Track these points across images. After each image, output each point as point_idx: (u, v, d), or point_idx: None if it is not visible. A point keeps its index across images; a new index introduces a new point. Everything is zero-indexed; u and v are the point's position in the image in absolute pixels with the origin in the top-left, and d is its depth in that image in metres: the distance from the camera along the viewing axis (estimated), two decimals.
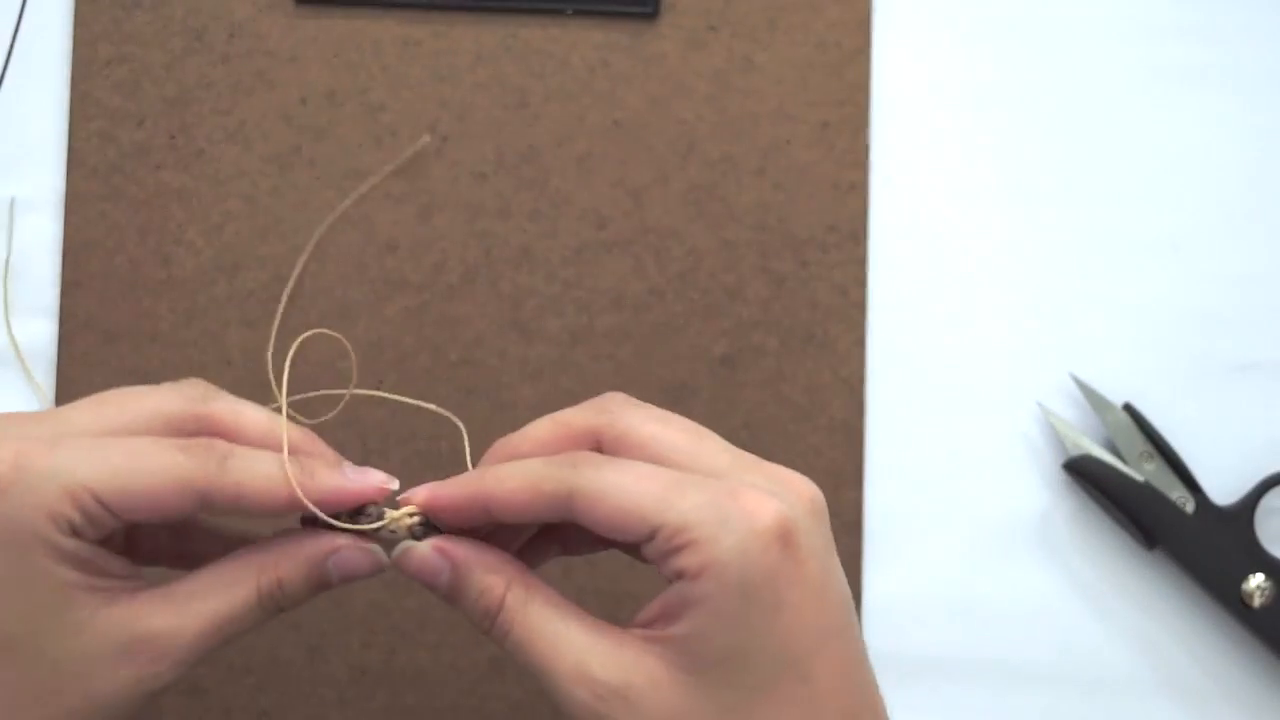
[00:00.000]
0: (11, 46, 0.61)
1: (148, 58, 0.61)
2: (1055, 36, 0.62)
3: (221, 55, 0.61)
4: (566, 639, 0.42)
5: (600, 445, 0.44)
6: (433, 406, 0.51)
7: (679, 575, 0.41)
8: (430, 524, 0.45)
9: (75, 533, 0.41)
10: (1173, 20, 0.62)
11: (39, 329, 0.60)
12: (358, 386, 0.51)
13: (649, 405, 0.45)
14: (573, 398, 0.58)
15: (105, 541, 0.42)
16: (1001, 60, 0.62)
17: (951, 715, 0.59)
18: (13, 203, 0.60)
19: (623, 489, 0.41)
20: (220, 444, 0.43)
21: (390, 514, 0.44)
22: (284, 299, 0.58)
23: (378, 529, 0.44)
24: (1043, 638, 0.59)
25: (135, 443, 0.42)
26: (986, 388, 0.60)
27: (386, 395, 0.56)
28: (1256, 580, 0.58)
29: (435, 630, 0.59)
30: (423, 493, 0.44)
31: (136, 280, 0.60)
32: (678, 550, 0.41)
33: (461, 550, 0.44)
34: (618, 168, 0.61)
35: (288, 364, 0.46)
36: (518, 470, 0.43)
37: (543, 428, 0.45)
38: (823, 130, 0.61)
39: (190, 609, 0.43)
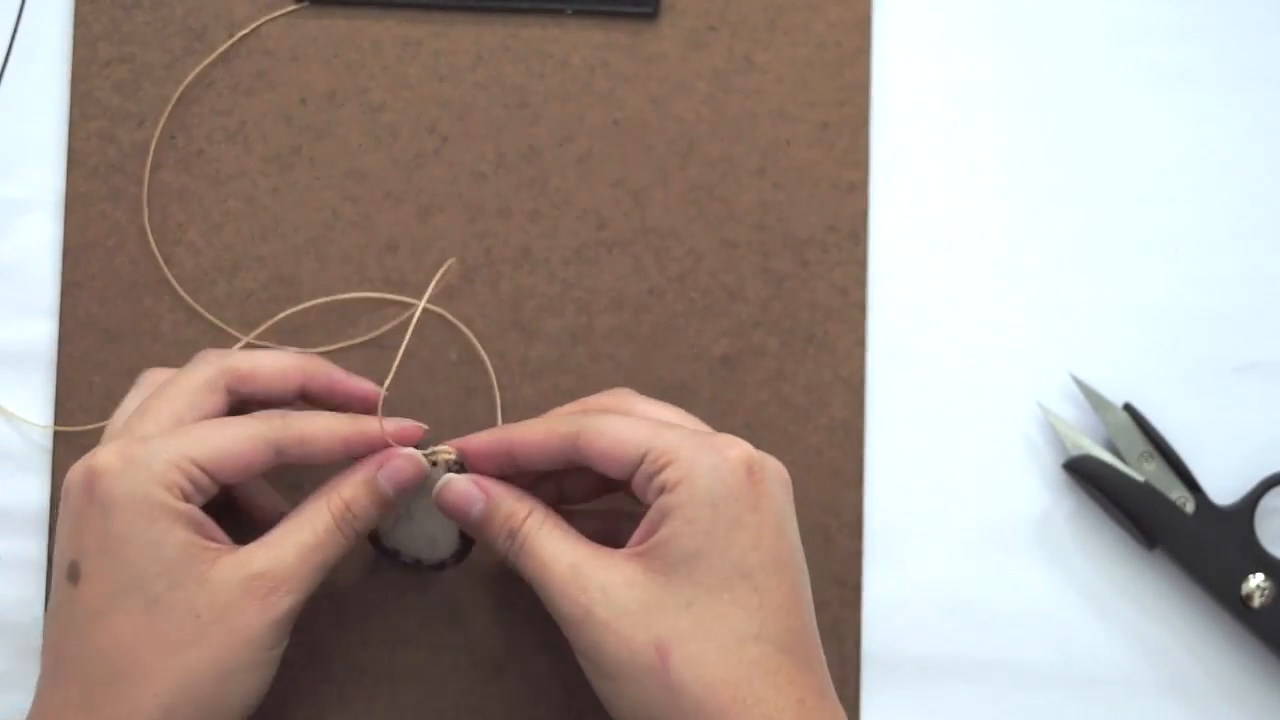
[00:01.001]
0: (11, 46, 0.61)
1: (148, 58, 0.61)
2: (1055, 36, 0.62)
3: (222, 55, 0.61)
4: (566, 550, 0.50)
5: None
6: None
7: (660, 490, 0.49)
8: (464, 465, 0.53)
9: (186, 498, 0.49)
10: (1173, 20, 0.62)
11: (39, 329, 0.60)
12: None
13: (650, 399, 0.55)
14: (572, 398, 0.58)
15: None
16: (1001, 60, 0.62)
17: (951, 715, 0.59)
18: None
19: (619, 427, 0.51)
20: (280, 411, 0.52)
21: (435, 448, 0.53)
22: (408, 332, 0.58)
23: (435, 461, 0.53)
24: (1043, 638, 0.59)
25: (214, 420, 0.51)
26: (986, 388, 0.60)
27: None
28: (1256, 580, 0.58)
29: (435, 630, 0.59)
30: (457, 442, 0.53)
31: (136, 280, 0.60)
32: (661, 468, 0.49)
33: (493, 484, 0.52)
34: (618, 168, 0.61)
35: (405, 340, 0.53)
36: (537, 420, 0.53)
37: (565, 407, 0.55)
38: (823, 130, 0.61)
39: (284, 545, 0.50)
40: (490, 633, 0.59)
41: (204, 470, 0.49)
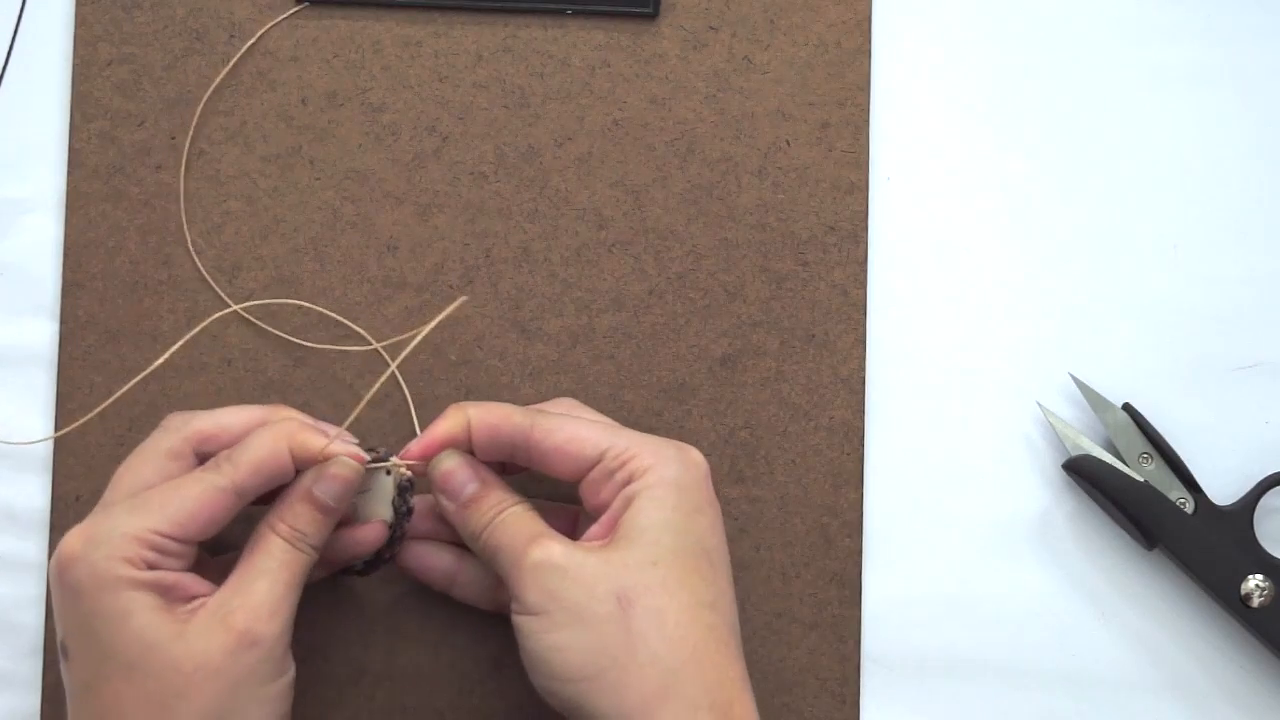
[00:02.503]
0: (11, 47, 0.61)
1: (148, 58, 0.61)
2: (1055, 37, 0.62)
3: (222, 56, 0.61)
4: (536, 524, 0.51)
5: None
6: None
7: (627, 480, 0.51)
8: (412, 483, 0.54)
9: (152, 566, 0.49)
10: (1173, 20, 0.62)
11: (39, 329, 0.60)
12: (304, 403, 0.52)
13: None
14: (573, 397, 0.58)
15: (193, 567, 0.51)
16: (1001, 60, 0.62)
17: (951, 715, 0.59)
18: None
19: (576, 425, 0.52)
20: (225, 451, 0.52)
21: (394, 460, 0.54)
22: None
23: (379, 468, 0.54)
24: (1043, 638, 0.59)
25: (167, 484, 0.51)
26: (986, 388, 0.60)
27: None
28: (1256, 580, 0.58)
29: (435, 630, 0.59)
30: (415, 446, 0.53)
31: (136, 280, 0.60)
32: (625, 462, 0.51)
33: (488, 471, 0.53)
34: (618, 168, 0.61)
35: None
36: (494, 405, 0.53)
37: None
38: (823, 130, 0.61)
39: (250, 581, 0.50)
40: (490, 633, 0.59)
41: (169, 537, 0.50)
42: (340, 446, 0.52)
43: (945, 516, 0.60)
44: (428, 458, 0.53)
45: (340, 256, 0.60)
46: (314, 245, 0.60)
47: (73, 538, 0.49)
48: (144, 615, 0.48)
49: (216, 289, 0.59)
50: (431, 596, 0.59)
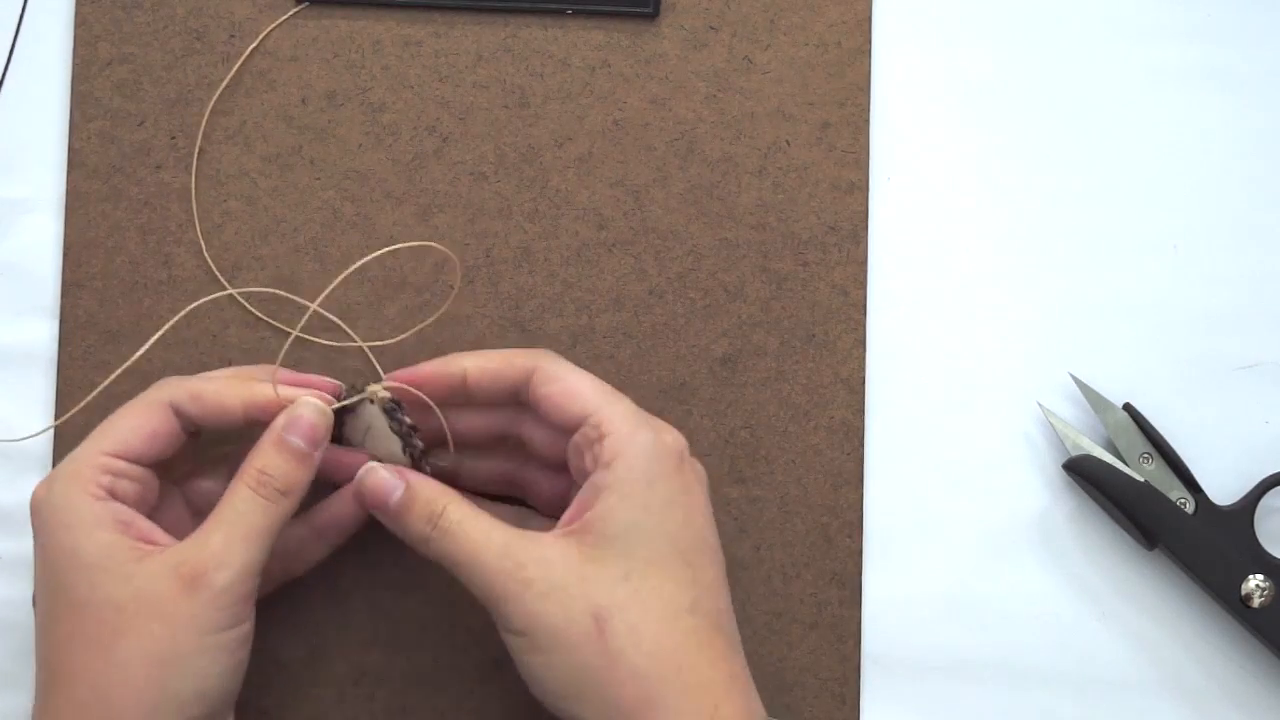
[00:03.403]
0: (12, 47, 0.61)
1: (148, 58, 0.61)
2: (1055, 37, 0.62)
3: (222, 55, 0.61)
4: (496, 532, 0.50)
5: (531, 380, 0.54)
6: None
7: (595, 464, 0.50)
8: (399, 405, 0.53)
9: (111, 492, 0.50)
10: (1173, 20, 0.62)
11: (39, 329, 0.60)
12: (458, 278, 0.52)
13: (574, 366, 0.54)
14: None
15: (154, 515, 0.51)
16: (1001, 60, 0.62)
17: (951, 715, 0.59)
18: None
19: (574, 379, 0.52)
20: (180, 377, 0.53)
21: (370, 386, 0.53)
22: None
23: (357, 401, 0.53)
24: (1043, 638, 0.59)
25: (116, 412, 0.52)
26: (986, 388, 0.60)
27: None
28: (1256, 580, 0.58)
29: (435, 630, 0.59)
30: (402, 374, 0.53)
31: (136, 280, 0.60)
32: (599, 439, 0.50)
33: (412, 474, 0.52)
34: (618, 168, 0.61)
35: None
36: (493, 351, 0.54)
37: (486, 354, 0.54)
38: (823, 130, 0.61)
39: (209, 529, 0.50)
40: (490, 633, 0.59)
41: (117, 455, 0.50)
42: (294, 391, 0.52)
43: (945, 516, 0.60)
44: (410, 384, 0.54)
45: (340, 256, 0.60)
46: (314, 245, 0.60)
47: (40, 482, 0.51)
48: (96, 550, 0.49)
49: (218, 274, 0.59)
50: (432, 597, 0.59)
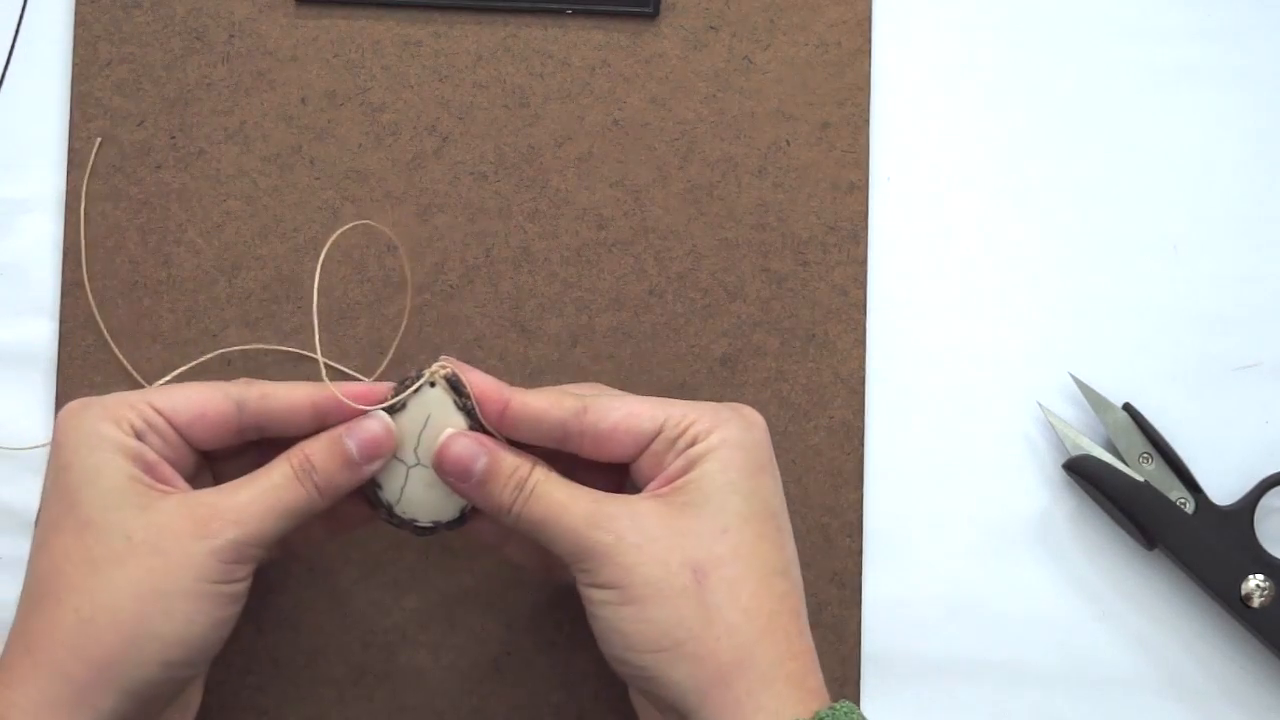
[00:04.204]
0: (12, 47, 0.61)
1: (148, 58, 0.61)
2: (1055, 37, 0.62)
3: (222, 55, 0.61)
4: (582, 495, 0.50)
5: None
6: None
7: (691, 443, 0.49)
8: (459, 384, 0.51)
9: (138, 434, 0.49)
10: (1173, 20, 0.62)
11: (39, 329, 0.60)
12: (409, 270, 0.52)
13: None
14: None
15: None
16: (1001, 60, 0.62)
17: (951, 715, 0.59)
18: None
19: (631, 402, 0.51)
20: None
21: (427, 371, 0.51)
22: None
23: (418, 387, 0.51)
24: (1043, 638, 0.59)
25: (186, 383, 0.52)
26: (986, 388, 0.60)
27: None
28: (1256, 580, 0.58)
29: (435, 630, 0.59)
30: (461, 365, 0.51)
31: (137, 280, 0.60)
32: (687, 428, 0.50)
33: (493, 441, 0.51)
34: (618, 168, 0.61)
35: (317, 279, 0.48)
36: (540, 390, 0.52)
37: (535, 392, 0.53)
38: (823, 130, 0.61)
39: (237, 487, 0.49)
40: (490, 633, 0.59)
41: (160, 413, 0.50)
42: (359, 389, 0.51)
43: (945, 516, 0.60)
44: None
45: (340, 256, 0.60)
46: (314, 245, 0.60)
47: (76, 400, 0.50)
48: (115, 478, 0.48)
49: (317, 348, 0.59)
50: (431, 597, 0.59)
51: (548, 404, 0.51)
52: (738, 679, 0.47)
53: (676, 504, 0.49)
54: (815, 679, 0.48)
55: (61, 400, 0.59)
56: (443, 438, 0.51)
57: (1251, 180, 0.62)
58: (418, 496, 0.52)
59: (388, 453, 0.51)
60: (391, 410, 0.51)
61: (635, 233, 0.60)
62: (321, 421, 0.51)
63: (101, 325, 0.59)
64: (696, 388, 0.60)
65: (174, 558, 0.48)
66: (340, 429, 0.50)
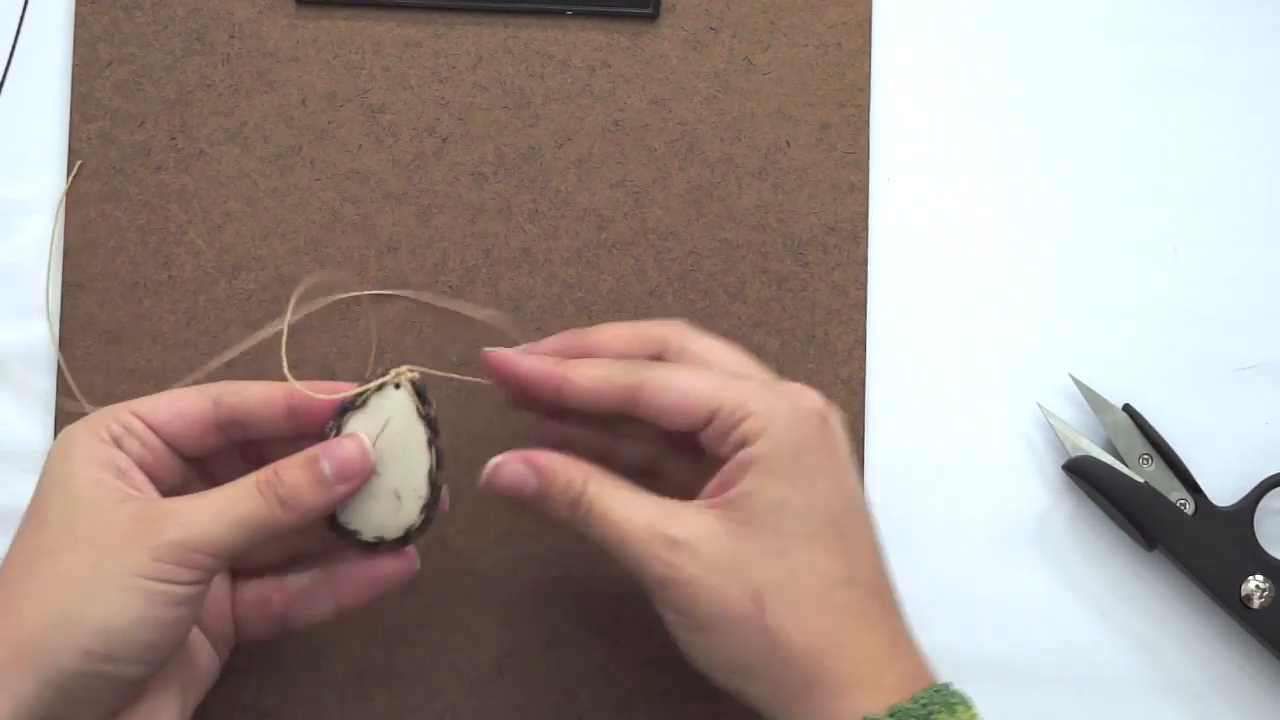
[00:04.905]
0: (13, 48, 0.61)
1: (148, 59, 0.61)
2: (1055, 37, 0.62)
3: (222, 56, 0.61)
4: (640, 509, 0.49)
5: (662, 355, 0.52)
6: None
7: (741, 443, 0.49)
8: (424, 392, 0.50)
9: (115, 440, 0.49)
10: (1173, 20, 0.62)
11: (39, 329, 0.60)
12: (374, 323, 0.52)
13: (709, 334, 0.53)
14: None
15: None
16: (1001, 61, 0.62)
17: None
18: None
19: (686, 381, 0.50)
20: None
21: (396, 369, 0.50)
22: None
23: (380, 384, 0.50)
24: (1043, 638, 0.59)
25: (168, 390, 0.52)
26: (986, 388, 0.60)
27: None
28: (1256, 581, 0.58)
29: (435, 631, 0.59)
30: (507, 354, 0.52)
31: (137, 281, 0.60)
32: (739, 422, 0.49)
33: (543, 457, 0.51)
34: (618, 168, 0.61)
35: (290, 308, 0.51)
36: (594, 364, 0.51)
37: (616, 327, 0.53)
38: (823, 131, 0.61)
39: (197, 497, 0.49)
40: (490, 633, 0.59)
41: (139, 416, 0.50)
42: (333, 386, 0.51)
43: (945, 517, 0.60)
44: (497, 371, 0.52)
45: (340, 257, 0.60)
46: (314, 245, 0.60)
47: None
48: (80, 482, 0.48)
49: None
50: (431, 597, 0.59)
51: (601, 386, 0.50)
52: (812, 695, 0.48)
53: (732, 521, 0.49)
54: (895, 673, 0.48)
55: (61, 400, 0.59)
56: (490, 467, 0.51)
57: (1251, 180, 0.62)
58: (362, 505, 0.50)
59: (362, 475, 0.50)
60: (350, 406, 0.50)
61: (635, 234, 0.60)
62: (296, 419, 0.51)
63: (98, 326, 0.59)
64: None
65: (110, 550, 0.47)
66: (316, 447, 0.50)
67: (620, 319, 0.60)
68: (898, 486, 0.60)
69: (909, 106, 0.62)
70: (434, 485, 0.51)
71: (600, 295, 0.60)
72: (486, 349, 0.52)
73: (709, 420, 0.49)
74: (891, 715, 0.47)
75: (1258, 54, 0.62)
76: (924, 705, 0.47)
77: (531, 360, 0.52)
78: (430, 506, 0.51)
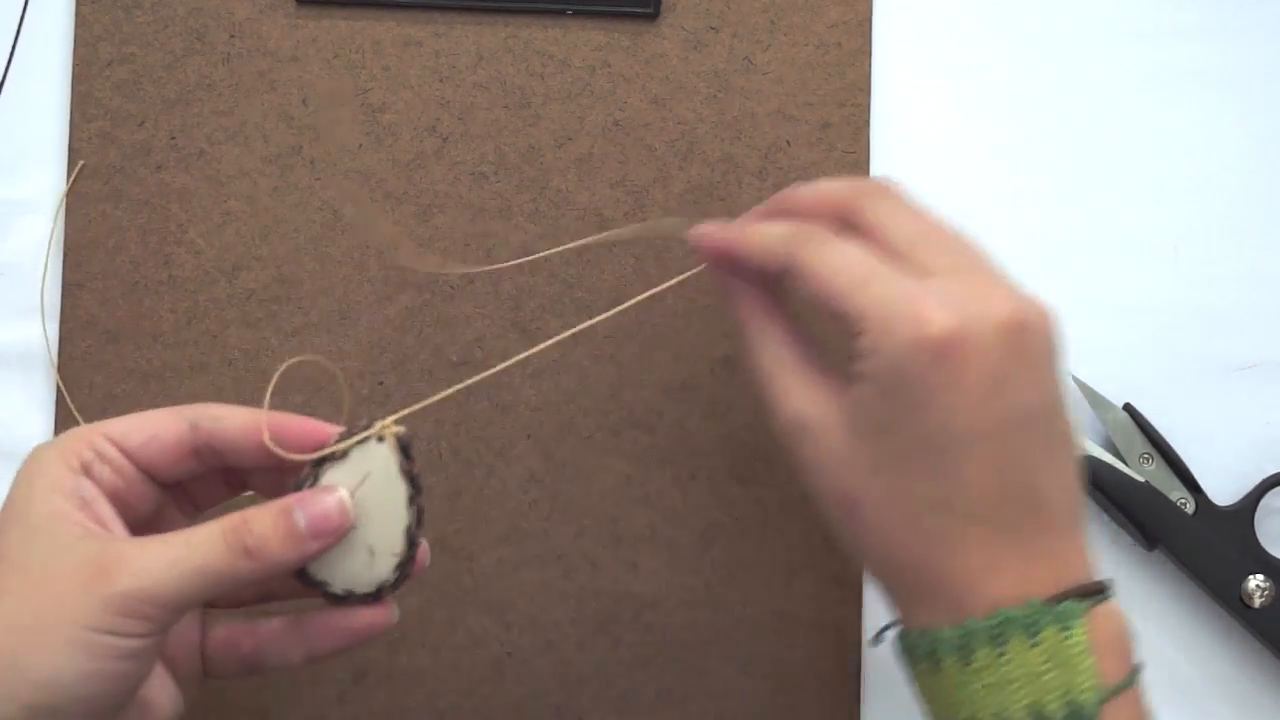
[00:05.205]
0: (13, 47, 0.61)
1: (148, 59, 0.61)
2: (1055, 37, 0.62)
3: (222, 56, 0.61)
4: (783, 366, 0.50)
5: (846, 215, 0.51)
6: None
7: (857, 353, 0.47)
8: (408, 447, 0.48)
9: (86, 467, 0.47)
10: (1173, 20, 0.62)
11: (39, 329, 0.60)
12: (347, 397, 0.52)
13: (908, 200, 0.51)
14: (573, 398, 0.58)
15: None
16: (1001, 61, 0.62)
17: None
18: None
19: (830, 270, 0.48)
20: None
21: (380, 421, 0.47)
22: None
23: (364, 438, 0.47)
24: None
25: (143, 411, 0.50)
26: None
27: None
28: (1256, 580, 0.58)
29: (435, 631, 0.59)
30: (706, 227, 0.52)
31: (137, 280, 0.60)
32: (856, 335, 0.47)
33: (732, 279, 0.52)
34: (618, 168, 0.61)
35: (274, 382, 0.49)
36: (766, 231, 0.51)
37: (821, 185, 0.52)
38: (823, 131, 0.61)
39: (155, 537, 0.46)
40: (490, 633, 0.59)
41: (112, 440, 0.48)
42: (313, 427, 0.48)
43: None
44: (703, 247, 0.53)
45: (340, 256, 0.60)
46: (314, 245, 0.60)
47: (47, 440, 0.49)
48: (44, 513, 0.46)
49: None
50: (431, 597, 0.59)
51: (765, 255, 0.50)
52: (893, 587, 0.49)
53: (843, 424, 0.48)
54: (978, 596, 0.46)
55: (62, 400, 0.59)
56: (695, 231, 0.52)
57: (1251, 180, 0.62)
58: (334, 557, 0.48)
59: (339, 532, 0.47)
60: (329, 456, 0.47)
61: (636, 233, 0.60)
62: (276, 449, 0.48)
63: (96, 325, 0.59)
64: (697, 388, 0.60)
65: (61, 598, 0.44)
66: (292, 498, 0.47)
67: (621, 319, 0.60)
68: None
69: (909, 106, 0.62)
70: (411, 543, 0.48)
71: (600, 295, 0.60)
72: (694, 228, 0.53)
73: (835, 318, 0.48)
74: (960, 628, 0.46)
75: (1259, 54, 0.62)
76: (998, 623, 0.45)
77: (710, 226, 0.53)
78: (405, 564, 0.48)
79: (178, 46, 0.61)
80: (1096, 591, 0.47)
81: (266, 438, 0.48)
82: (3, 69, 0.61)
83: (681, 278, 0.54)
